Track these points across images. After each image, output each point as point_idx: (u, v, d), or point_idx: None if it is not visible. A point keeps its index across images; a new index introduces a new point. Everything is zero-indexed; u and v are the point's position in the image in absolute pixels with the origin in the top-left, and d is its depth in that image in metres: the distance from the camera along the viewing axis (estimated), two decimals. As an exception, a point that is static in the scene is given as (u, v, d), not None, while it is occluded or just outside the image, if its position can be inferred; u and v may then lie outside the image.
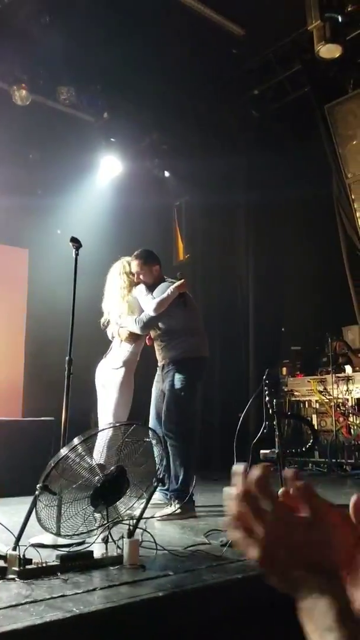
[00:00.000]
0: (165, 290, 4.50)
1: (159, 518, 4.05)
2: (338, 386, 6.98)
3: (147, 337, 4.69)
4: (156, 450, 3.07)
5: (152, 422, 4.62)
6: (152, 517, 3.94)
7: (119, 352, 4.68)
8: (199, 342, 4.62)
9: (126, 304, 4.64)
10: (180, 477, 4.22)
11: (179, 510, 4.14)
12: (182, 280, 4.59)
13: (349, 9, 5.83)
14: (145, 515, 2.96)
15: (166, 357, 4.53)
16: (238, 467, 0.74)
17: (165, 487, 4.34)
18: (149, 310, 4.43)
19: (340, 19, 5.59)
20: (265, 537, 0.70)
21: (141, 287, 4.61)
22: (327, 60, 5.92)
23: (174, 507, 4.17)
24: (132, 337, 4.63)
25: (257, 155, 7.85)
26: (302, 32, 6.23)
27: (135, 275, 4.68)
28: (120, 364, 4.62)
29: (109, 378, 4.62)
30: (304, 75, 7.04)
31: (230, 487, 0.73)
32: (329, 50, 5.69)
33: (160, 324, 4.54)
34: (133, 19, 5.99)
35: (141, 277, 4.65)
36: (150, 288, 4.61)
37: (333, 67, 6.57)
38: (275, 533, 0.70)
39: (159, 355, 4.66)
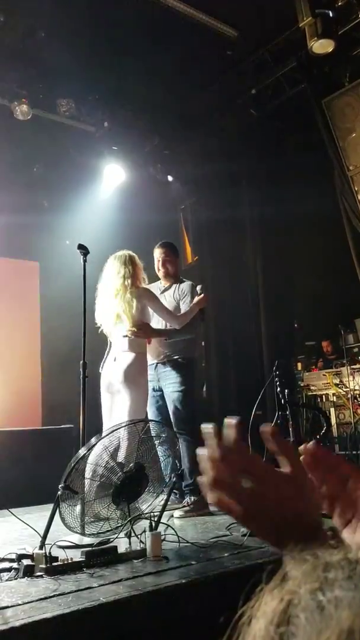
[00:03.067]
0: (190, 298, 4.67)
1: (177, 516, 4.13)
2: (354, 378, 6.99)
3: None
4: (174, 447, 3.14)
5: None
6: (171, 516, 4.01)
7: (122, 342, 4.33)
8: (198, 343, 4.85)
9: (131, 296, 4.30)
10: (194, 474, 4.27)
11: (194, 506, 4.22)
12: (202, 295, 4.65)
13: (339, 3, 5.88)
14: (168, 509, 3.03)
15: (166, 355, 4.62)
16: (207, 428, 0.72)
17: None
18: (175, 324, 4.51)
19: (331, 14, 5.65)
20: (246, 495, 0.69)
21: (151, 293, 4.53)
22: (321, 56, 5.97)
23: (189, 507, 4.24)
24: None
25: (259, 154, 7.91)
26: (294, 29, 6.29)
27: (161, 262, 4.83)
28: (127, 348, 4.27)
29: (116, 377, 4.24)
30: (300, 72, 7.09)
31: (202, 448, 0.72)
32: (322, 46, 5.75)
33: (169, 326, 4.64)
34: (127, 28, 6.09)
35: (168, 265, 4.82)
36: (168, 281, 4.82)
37: (328, 62, 6.62)
38: (256, 490, 0.69)
39: (155, 352, 4.65)
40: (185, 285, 4.84)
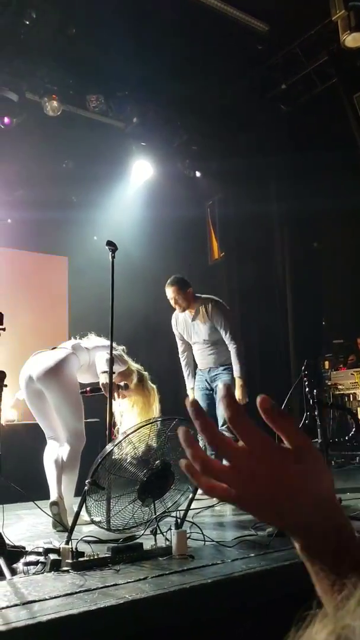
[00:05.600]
0: (222, 319, 5.08)
1: (218, 506, 4.29)
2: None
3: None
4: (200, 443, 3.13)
5: None
6: (212, 506, 4.09)
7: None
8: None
9: None
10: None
11: None
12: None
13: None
14: (195, 507, 3.03)
15: (216, 362, 5.14)
16: (191, 404, 0.65)
17: None
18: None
19: (364, 7, 5.56)
20: (240, 475, 0.61)
21: None
22: (354, 50, 5.88)
23: None
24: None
25: (288, 149, 7.84)
26: (326, 23, 6.20)
27: (173, 301, 5.09)
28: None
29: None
30: (331, 67, 7.00)
31: (184, 427, 0.65)
32: (354, 40, 5.67)
33: (212, 337, 5.10)
34: (157, 23, 6.08)
35: (180, 302, 5.08)
36: (191, 309, 5.14)
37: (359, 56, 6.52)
38: (252, 469, 0.61)
39: (203, 360, 5.22)
40: (210, 306, 5.12)
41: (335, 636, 0.38)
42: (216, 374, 5.13)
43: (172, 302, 5.13)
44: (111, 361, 3.78)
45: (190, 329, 5.22)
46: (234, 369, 5.04)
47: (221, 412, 4.87)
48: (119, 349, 4.19)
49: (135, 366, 4.27)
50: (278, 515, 0.61)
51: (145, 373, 4.36)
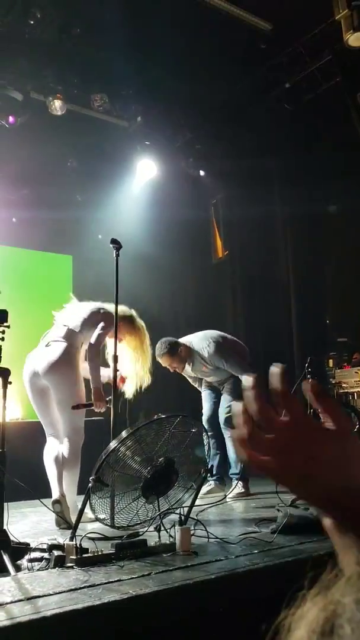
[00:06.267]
0: (219, 359, 4.96)
1: (229, 500, 4.56)
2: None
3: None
4: (204, 441, 3.14)
5: (207, 419, 5.11)
6: (216, 503, 4.15)
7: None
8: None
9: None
10: (240, 463, 4.77)
11: (243, 490, 4.79)
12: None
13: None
14: (199, 505, 3.04)
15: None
16: (248, 378, 0.68)
17: (215, 475, 4.92)
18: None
19: (368, 6, 5.54)
20: (283, 450, 0.64)
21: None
22: (357, 49, 5.87)
23: (239, 489, 4.78)
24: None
25: (292, 148, 7.83)
26: (330, 22, 6.19)
27: (171, 369, 5.03)
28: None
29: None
30: (335, 66, 6.98)
31: (238, 403, 0.68)
32: (357, 39, 5.64)
33: (219, 373, 5.09)
34: (160, 22, 6.08)
35: (177, 368, 5.04)
36: (189, 364, 5.09)
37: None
38: (296, 445, 0.64)
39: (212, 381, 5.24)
40: (206, 356, 4.96)
41: (325, 612, 0.39)
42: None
43: (170, 369, 5.05)
44: (115, 359, 3.80)
45: (197, 373, 5.21)
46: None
47: (222, 411, 4.92)
48: (100, 305, 4.22)
49: (123, 309, 4.19)
50: (311, 489, 0.64)
51: (132, 312, 4.32)
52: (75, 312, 4.23)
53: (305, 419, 0.65)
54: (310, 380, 0.70)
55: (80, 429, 3.98)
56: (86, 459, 3.84)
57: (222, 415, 4.97)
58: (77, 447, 3.94)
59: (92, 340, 4.02)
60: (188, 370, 5.13)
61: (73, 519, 3.37)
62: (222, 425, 4.96)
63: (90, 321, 4.10)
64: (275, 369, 0.68)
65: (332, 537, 0.63)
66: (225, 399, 5.02)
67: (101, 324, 4.06)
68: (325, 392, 0.68)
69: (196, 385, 5.42)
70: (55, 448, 4.00)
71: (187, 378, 5.39)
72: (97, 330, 4.04)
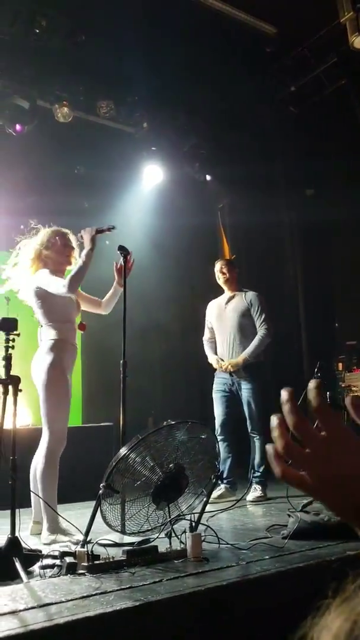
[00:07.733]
0: (259, 307, 5.24)
1: (249, 503, 4.66)
2: None
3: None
4: (214, 446, 3.14)
5: (221, 424, 5.12)
6: (227, 509, 4.16)
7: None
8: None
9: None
10: (262, 467, 4.86)
11: (262, 494, 4.84)
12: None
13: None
14: (210, 510, 3.03)
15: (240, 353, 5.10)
16: (284, 393, 0.69)
17: (226, 479, 4.94)
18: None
19: (372, 9, 5.55)
20: (318, 465, 0.64)
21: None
22: (363, 51, 5.87)
23: (259, 493, 4.84)
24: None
25: (298, 152, 7.83)
26: (335, 25, 6.20)
27: (219, 272, 5.33)
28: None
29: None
30: (340, 69, 6.99)
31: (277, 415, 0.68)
32: (363, 41, 5.66)
33: (242, 323, 5.15)
34: (165, 28, 6.10)
35: (224, 271, 5.31)
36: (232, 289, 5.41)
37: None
38: (332, 459, 0.64)
39: (227, 353, 5.16)
40: (249, 293, 5.28)
41: (350, 623, 0.39)
42: (239, 380, 5.08)
43: (217, 274, 5.30)
44: (124, 366, 3.80)
45: (222, 314, 5.24)
46: (247, 348, 5.01)
47: (251, 413, 5.03)
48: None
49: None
50: (348, 504, 0.63)
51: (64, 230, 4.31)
52: (31, 305, 4.00)
53: (344, 433, 0.65)
54: (352, 396, 0.68)
55: (61, 433, 3.68)
56: (94, 466, 3.83)
57: (250, 420, 5.01)
58: (54, 454, 3.64)
59: (54, 290, 3.86)
60: (221, 305, 5.28)
61: (61, 538, 3.35)
62: (250, 431, 5.01)
63: (45, 303, 3.90)
64: (284, 394, 0.69)
65: None
66: (246, 400, 5.03)
67: (42, 273, 3.97)
68: (325, 403, 0.67)
69: (207, 341, 5.30)
70: (35, 459, 3.76)
71: (206, 330, 5.35)
72: (48, 282, 3.89)
